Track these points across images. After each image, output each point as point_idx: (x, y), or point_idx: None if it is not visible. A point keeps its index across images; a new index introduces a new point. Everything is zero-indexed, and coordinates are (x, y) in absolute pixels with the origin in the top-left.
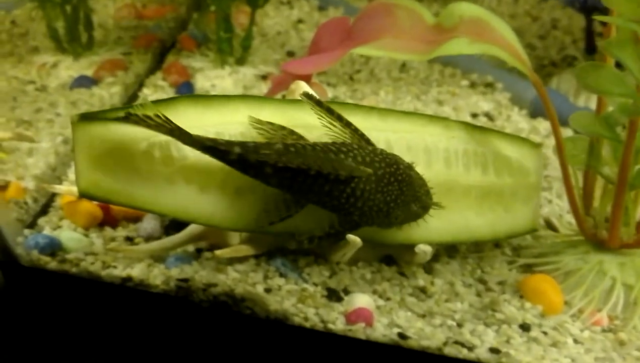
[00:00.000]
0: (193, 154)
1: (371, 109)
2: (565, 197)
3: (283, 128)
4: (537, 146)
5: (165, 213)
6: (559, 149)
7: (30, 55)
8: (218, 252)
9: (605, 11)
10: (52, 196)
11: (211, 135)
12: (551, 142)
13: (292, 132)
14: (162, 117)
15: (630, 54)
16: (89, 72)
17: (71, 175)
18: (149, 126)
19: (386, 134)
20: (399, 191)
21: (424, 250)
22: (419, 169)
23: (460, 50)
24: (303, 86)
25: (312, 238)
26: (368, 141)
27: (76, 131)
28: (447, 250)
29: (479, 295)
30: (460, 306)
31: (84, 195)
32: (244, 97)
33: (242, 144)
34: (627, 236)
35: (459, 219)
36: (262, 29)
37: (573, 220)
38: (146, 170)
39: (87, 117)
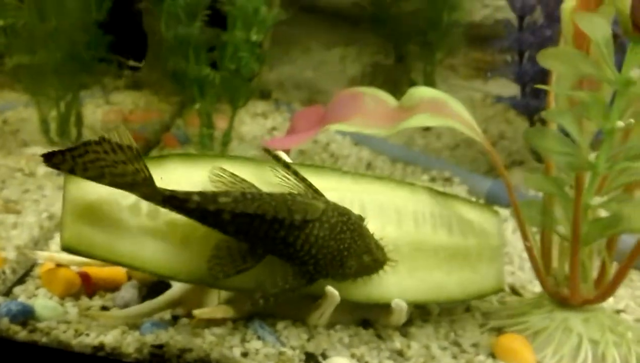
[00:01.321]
0: None
1: (345, 172)
2: (526, 269)
3: (244, 181)
4: (495, 212)
5: (146, 269)
6: (517, 211)
7: (20, 148)
8: (196, 312)
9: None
10: (31, 267)
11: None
12: (508, 226)
13: (252, 186)
14: (133, 150)
15: (570, 120)
16: None
17: (53, 246)
18: (114, 164)
19: (360, 195)
20: (351, 240)
21: (400, 305)
22: (391, 228)
23: (423, 123)
24: (282, 155)
25: (266, 297)
26: (321, 195)
27: (67, 182)
28: (420, 314)
29: (454, 357)
30: None
31: (66, 248)
32: (229, 157)
33: (200, 193)
34: (587, 292)
35: (430, 278)
36: (240, 133)
37: (536, 289)
38: (131, 224)
39: None
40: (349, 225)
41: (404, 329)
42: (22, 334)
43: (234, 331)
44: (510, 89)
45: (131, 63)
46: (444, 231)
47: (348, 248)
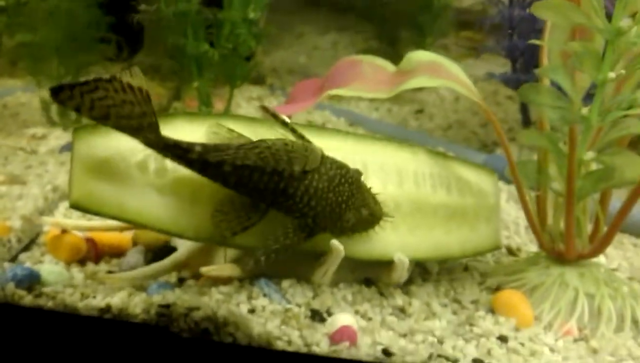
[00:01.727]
0: None
1: (348, 133)
2: (522, 234)
3: (241, 136)
4: (492, 172)
5: (155, 227)
6: (513, 170)
7: (21, 129)
8: (204, 269)
9: None
10: (37, 235)
11: None
12: (502, 196)
13: (250, 141)
14: (143, 92)
15: (562, 75)
16: None
17: (58, 215)
18: (120, 104)
19: (362, 156)
20: (349, 193)
21: (402, 259)
22: (392, 187)
23: (422, 84)
24: (282, 116)
25: (268, 254)
26: None
27: (76, 140)
28: (421, 274)
29: (455, 313)
30: (438, 324)
31: (74, 206)
32: (235, 116)
33: (203, 144)
34: (581, 247)
35: (430, 236)
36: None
37: (531, 249)
38: (139, 181)
39: (89, 127)
40: (347, 178)
41: (405, 287)
42: (27, 299)
43: (241, 289)
44: (501, 69)
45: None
46: (443, 191)
47: (346, 201)
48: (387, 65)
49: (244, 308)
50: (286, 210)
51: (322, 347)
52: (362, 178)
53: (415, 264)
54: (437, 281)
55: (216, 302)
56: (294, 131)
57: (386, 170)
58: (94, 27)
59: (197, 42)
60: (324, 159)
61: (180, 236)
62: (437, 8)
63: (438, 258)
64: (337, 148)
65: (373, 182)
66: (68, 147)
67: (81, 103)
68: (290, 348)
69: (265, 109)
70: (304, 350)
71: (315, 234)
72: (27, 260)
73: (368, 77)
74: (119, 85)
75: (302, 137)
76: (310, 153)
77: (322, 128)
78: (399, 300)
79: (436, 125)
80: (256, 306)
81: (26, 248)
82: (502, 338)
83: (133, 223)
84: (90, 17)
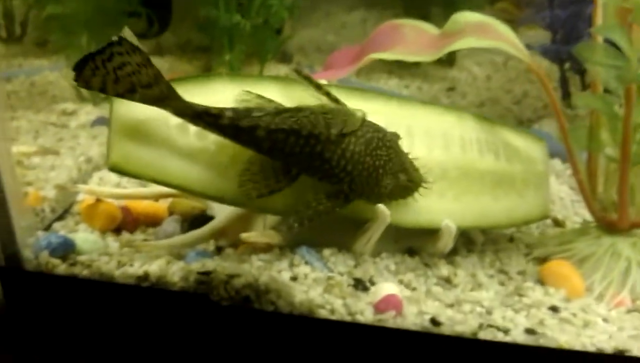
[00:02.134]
0: None
1: (391, 96)
2: (568, 207)
3: (271, 101)
4: (540, 139)
5: (193, 190)
6: (564, 134)
7: (50, 105)
8: (244, 235)
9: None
10: (71, 205)
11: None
12: None
13: (281, 105)
14: (143, 54)
15: (619, 33)
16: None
17: (92, 185)
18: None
19: (406, 120)
20: (387, 157)
21: (449, 226)
22: (438, 151)
23: (469, 45)
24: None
25: (301, 220)
26: None
27: (115, 102)
28: (465, 244)
29: (502, 284)
30: (486, 294)
31: (113, 168)
32: (275, 77)
33: (234, 109)
34: (635, 215)
35: (477, 204)
36: None
37: (578, 222)
38: (179, 143)
39: None
40: (384, 142)
41: (449, 258)
42: (61, 268)
43: (282, 257)
44: (537, 43)
45: None
46: (490, 157)
47: (384, 166)
48: (430, 29)
49: (285, 275)
50: (322, 175)
51: (367, 315)
52: (400, 142)
53: (460, 235)
54: (482, 252)
55: (257, 269)
56: (328, 95)
57: (432, 134)
58: (124, 0)
59: (229, 13)
60: (363, 121)
61: (220, 200)
62: None
63: (485, 226)
64: (379, 111)
65: (418, 147)
66: (99, 121)
67: (106, 76)
68: (333, 317)
69: (298, 72)
70: (347, 318)
71: (351, 201)
72: (61, 229)
73: (411, 40)
74: (128, 45)
75: (336, 100)
76: (349, 116)
77: (365, 90)
78: (444, 270)
79: (469, 102)
80: (298, 274)
81: (60, 217)
82: (554, 309)
83: (172, 186)
84: None
